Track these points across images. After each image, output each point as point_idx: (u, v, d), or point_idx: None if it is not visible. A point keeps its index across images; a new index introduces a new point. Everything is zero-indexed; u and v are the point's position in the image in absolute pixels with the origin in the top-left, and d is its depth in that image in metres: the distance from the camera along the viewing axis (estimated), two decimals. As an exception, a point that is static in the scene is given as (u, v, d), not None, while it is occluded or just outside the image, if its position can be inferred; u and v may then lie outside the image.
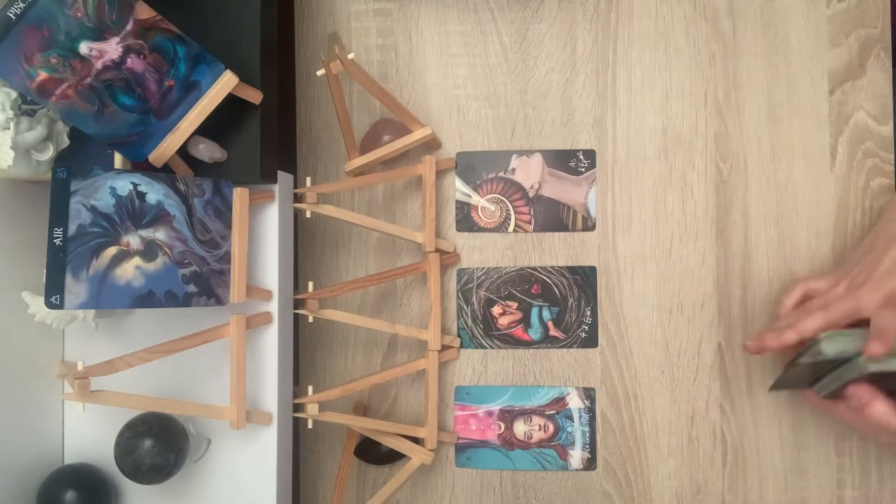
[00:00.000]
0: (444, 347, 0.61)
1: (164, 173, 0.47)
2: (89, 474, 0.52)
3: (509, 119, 0.63)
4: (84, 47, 0.42)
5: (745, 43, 0.62)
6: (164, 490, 0.53)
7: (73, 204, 0.42)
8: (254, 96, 0.50)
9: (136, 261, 0.45)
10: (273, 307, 0.53)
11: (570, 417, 0.62)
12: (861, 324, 0.50)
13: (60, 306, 0.42)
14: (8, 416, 0.50)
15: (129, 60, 0.44)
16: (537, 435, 0.62)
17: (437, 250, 0.60)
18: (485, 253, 0.63)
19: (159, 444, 0.48)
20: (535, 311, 0.63)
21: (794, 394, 0.60)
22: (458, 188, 0.63)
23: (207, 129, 0.48)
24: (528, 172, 0.63)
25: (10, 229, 0.51)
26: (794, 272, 0.61)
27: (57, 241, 0.42)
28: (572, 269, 0.62)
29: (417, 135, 0.60)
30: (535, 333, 0.63)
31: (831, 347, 0.49)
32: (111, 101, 0.44)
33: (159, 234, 0.46)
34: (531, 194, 0.63)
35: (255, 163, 0.50)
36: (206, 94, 0.47)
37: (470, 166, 0.63)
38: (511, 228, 0.63)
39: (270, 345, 0.53)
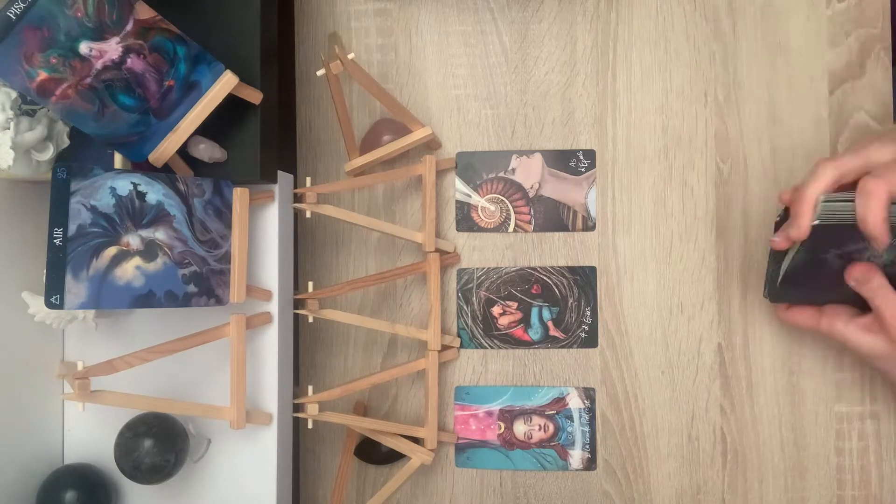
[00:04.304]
0: (444, 347, 0.61)
1: (164, 173, 0.47)
2: (89, 474, 0.52)
3: (509, 119, 0.63)
4: (84, 47, 0.42)
5: (745, 43, 0.62)
6: (164, 490, 0.53)
7: (73, 204, 0.42)
8: (254, 96, 0.50)
9: (136, 261, 0.45)
10: (273, 307, 0.53)
11: (570, 417, 0.62)
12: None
13: (60, 306, 0.42)
14: (8, 416, 0.50)
15: (129, 60, 0.44)
16: (537, 435, 0.62)
17: (437, 250, 0.60)
18: (485, 253, 0.63)
19: (159, 444, 0.48)
20: (535, 311, 0.63)
21: (793, 394, 0.60)
22: (458, 188, 0.63)
23: (207, 129, 0.48)
24: (528, 172, 0.63)
25: (10, 229, 0.51)
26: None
27: (57, 241, 0.42)
28: (572, 269, 0.62)
29: (417, 135, 0.60)
30: (535, 333, 0.63)
31: (828, 207, 0.46)
32: (111, 101, 0.44)
33: (159, 234, 0.46)
34: (531, 194, 0.63)
35: (255, 163, 0.50)
36: (206, 94, 0.47)
37: (470, 166, 0.63)
38: (511, 228, 0.63)
39: (270, 345, 0.53)
